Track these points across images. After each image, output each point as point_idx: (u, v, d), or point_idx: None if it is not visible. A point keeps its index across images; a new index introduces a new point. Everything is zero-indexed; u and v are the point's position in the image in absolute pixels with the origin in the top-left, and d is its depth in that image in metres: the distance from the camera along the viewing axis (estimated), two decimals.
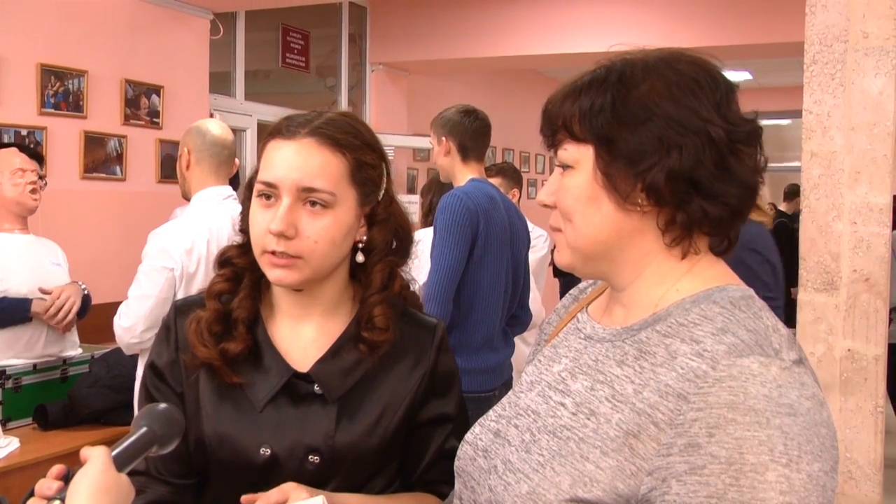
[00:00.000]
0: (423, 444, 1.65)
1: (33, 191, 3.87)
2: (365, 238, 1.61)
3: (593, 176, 1.21)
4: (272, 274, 1.54)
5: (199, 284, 3.32)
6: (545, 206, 1.27)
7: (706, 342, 1.12)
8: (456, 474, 1.35)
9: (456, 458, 1.36)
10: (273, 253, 1.51)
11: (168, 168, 6.09)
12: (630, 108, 1.18)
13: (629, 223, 1.21)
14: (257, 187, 1.55)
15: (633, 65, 1.22)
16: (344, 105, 8.65)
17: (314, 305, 1.62)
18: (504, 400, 1.38)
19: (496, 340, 3.76)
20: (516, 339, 4.05)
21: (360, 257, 1.61)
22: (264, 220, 1.52)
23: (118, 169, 5.78)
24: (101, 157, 5.65)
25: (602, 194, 1.21)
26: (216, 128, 3.61)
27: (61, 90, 5.36)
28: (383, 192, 1.62)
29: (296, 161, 1.52)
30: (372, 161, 1.59)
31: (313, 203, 1.51)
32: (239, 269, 1.64)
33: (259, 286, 1.64)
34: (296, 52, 7.95)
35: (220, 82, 7.03)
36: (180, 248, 3.32)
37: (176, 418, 1.36)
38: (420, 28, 8.49)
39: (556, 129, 1.24)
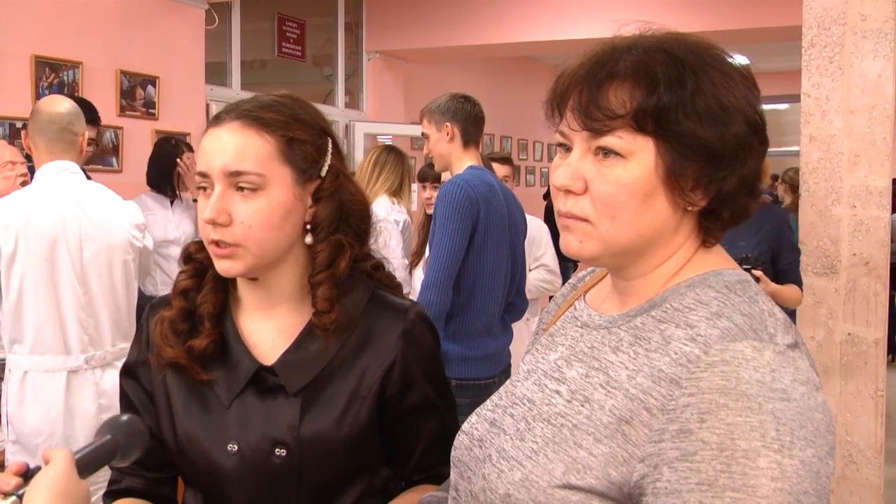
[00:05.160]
0: (414, 431, 1.64)
1: (24, 183, 3.82)
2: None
3: (654, 170, 1.14)
4: (219, 265, 1.52)
5: (21, 265, 3.33)
6: (568, 190, 1.18)
7: (700, 327, 1.11)
8: (452, 464, 1.33)
9: (452, 448, 1.34)
10: (216, 244, 1.49)
11: None
12: (710, 107, 1.13)
13: (674, 219, 1.18)
14: (196, 180, 1.53)
15: (681, 50, 1.16)
16: (340, 94, 8.64)
17: (278, 296, 1.59)
18: (501, 389, 1.36)
19: (495, 328, 3.77)
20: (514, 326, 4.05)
21: (308, 238, 1.57)
22: (203, 211, 1.50)
23: (114, 160, 5.77)
24: (97, 149, 5.63)
25: (659, 190, 1.15)
26: (49, 105, 3.58)
27: (56, 82, 5.34)
28: (327, 167, 1.58)
29: (221, 146, 1.49)
30: (305, 137, 1.54)
31: (243, 188, 1.48)
32: (202, 264, 1.62)
33: (224, 280, 1.62)
34: (292, 41, 7.93)
35: (215, 73, 7.01)
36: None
37: (139, 429, 1.37)
38: (416, 16, 8.47)
39: (613, 115, 1.14)
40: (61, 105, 3.57)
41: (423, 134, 3.87)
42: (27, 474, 1.22)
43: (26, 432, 3.40)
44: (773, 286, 3.89)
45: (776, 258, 4.16)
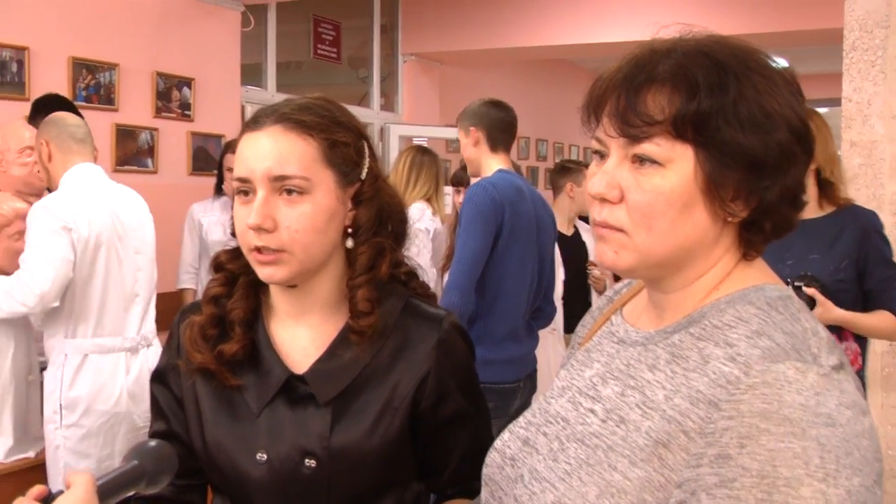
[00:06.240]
0: (448, 443, 1.60)
1: (41, 171, 3.74)
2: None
3: (693, 179, 1.10)
4: (262, 272, 1.49)
5: (93, 248, 3.47)
6: (604, 199, 1.14)
7: (740, 346, 1.06)
8: (483, 482, 1.30)
9: (484, 466, 1.31)
10: (258, 250, 1.47)
11: (200, 160, 6.10)
12: (753, 114, 1.09)
13: (714, 230, 1.14)
14: (234, 185, 1.50)
15: (723, 54, 1.12)
16: (376, 96, 8.63)
17: (312, 303, 1.56)
18: (534, 406, 1.32)
19: (520, 332, 3.76)
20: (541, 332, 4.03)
21: (349, 242, 1.55)
22: (244, 217, 1.47)
23: (150, 161, 5.78)
24: (133, 150, 5.66)
25: (698, 200, 1.11)
26: (66, 115, 3.70)
27: (93, 83, 5.37)
28: (366, 170, 1.56)
29: (264, 150, 1.47)
30: (346, 139, 1.52)
31: (289, 191, 1.46)
32: (233, 273, 1.60)
33: (256, 286, 1.60)
34: (327, 42, 7.93)
35: (251, 74, 7.02)
36: (72, 212, 3.41)
37: (167, 455, 1.33)
38: (452, 18, 8.44)
39: (651, 121, 1.10)
40: (74, 117, 3.71)
41: (459, 140, 3.90)
42: (48, 499, 1.20)
43: (91, 416, 3.47)
44: (840, 312, 3.04)
45: (863, 275, 3.15)
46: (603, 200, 1.14)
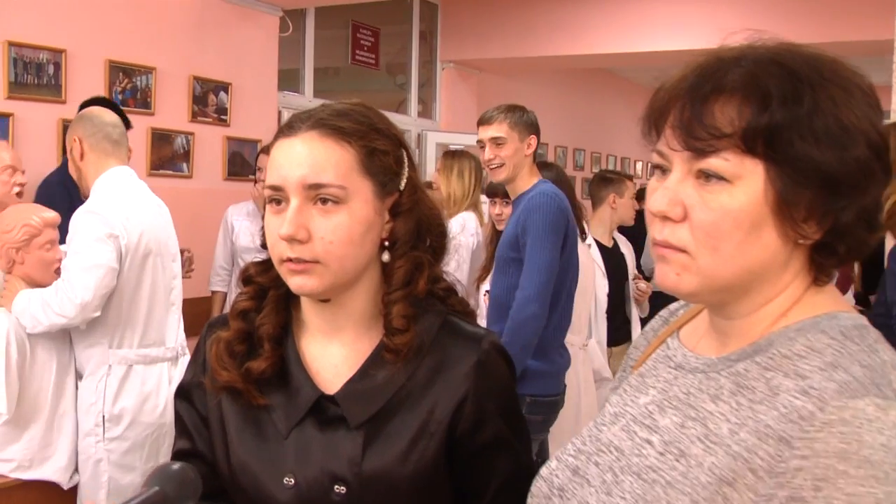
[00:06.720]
0: (486, 470, 1.51)
1: (19, 194, 3.68)
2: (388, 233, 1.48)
3: (763, 198, 1.02)
4: (293, 282, 1.42)
5: (141, 257, 3.42)
6: (665, 217, 1.07)
7: (813, 378, 0.98)
8: None
9: (529, 496, 1.23)
10: (290, 260, 1.39)
11: (235, 165, 6.08)
12: (829, 127, 1.02)
13: (783, 253, 1.06)
14: (266, 193, 1.43)
15: (797, 63, 1.05)
16: (413, 103, 8.60)
17: (345, 318, 1.49)
18: (584, 432, 1.25)
19: (563, 343, 3.76)
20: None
21: (385, 256, 1.47)
22: (276, 227, 1.40)
23: (185, 166, 5.76)
24: (168, 154, 5.64)
25: (768, 220, 1.03)
26: (102, 112, 3.63)
27: (129, 86, 5.35)
28: (405, 180, 1.49)
29: (298, 157, 1.40)
30: (384, 147, 1.45)
31: (324, 200, 1.39)
32: (262, 286, 1.53)
33: (287, 301, 1.53)
34: (366, 48, 7.89)
35: (288, 79, 7.00)
36: (122, 217, 3.36)
37: (190, 479, 1.25)
38: (491, 26, 8.40)
39: (719, 134, 1.03)
40: (111, 114, 3.64)
41: (494, 138, 3.69)
42: None
43: (136, 428, 3.43)
44: None
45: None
46: (665, 218, 1.07)
